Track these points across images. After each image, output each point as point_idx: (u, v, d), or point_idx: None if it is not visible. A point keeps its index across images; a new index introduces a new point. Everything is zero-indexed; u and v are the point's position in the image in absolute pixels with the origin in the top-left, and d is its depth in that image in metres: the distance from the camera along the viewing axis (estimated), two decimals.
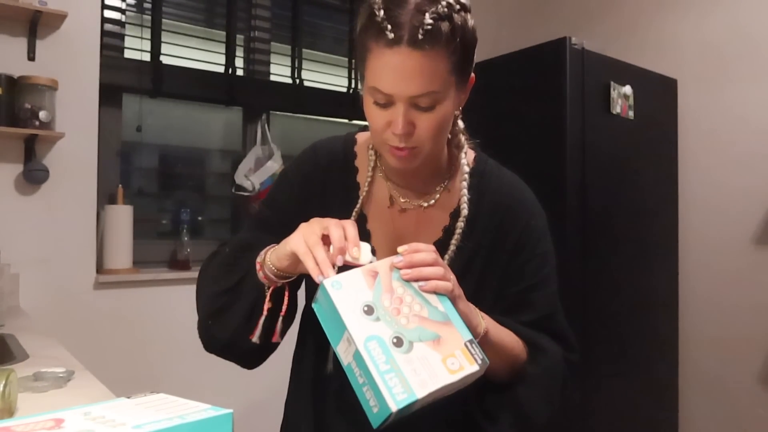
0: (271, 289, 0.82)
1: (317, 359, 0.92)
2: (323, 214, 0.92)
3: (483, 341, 0.79)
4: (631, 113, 2.31)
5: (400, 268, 0.73)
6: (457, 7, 0.78)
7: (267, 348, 0.87)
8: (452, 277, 0.77)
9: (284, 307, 0.83)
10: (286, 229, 0.86)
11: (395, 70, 0.76)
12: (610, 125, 2.24)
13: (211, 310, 0.87)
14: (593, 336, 2.16)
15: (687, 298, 2.51)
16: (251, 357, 0.88)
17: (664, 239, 2.49)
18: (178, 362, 2.29)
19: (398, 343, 0.66)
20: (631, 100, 2.31)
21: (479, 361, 0.69)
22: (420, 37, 0.74)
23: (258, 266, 0.82)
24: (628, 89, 2.29)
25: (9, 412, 0.81)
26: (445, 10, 0.75)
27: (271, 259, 0.80)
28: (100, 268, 2.20)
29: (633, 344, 2.33)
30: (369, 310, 0.68)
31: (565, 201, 2.10)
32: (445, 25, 0.75)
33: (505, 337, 0.85)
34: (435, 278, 0.73)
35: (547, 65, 2.19)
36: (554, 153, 2.13)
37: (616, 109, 2.24)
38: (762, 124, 2.30)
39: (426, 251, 0.75)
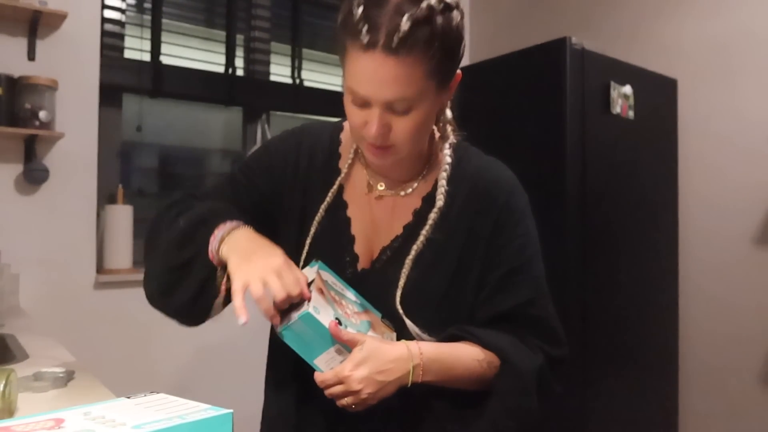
0: (226, 272, 0.81)
1: (295, 362, 0.91)
2: (303, 198, 0.93)
3: (423, 383, 0.81)
4: (631, 113, 2.31)
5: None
6: (440, 7, 0.74)
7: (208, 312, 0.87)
8: (353, 378, 0.76)
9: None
10: (253, 198, 0.91)
11: (369, 75, 0.75)
12: (610, 125, 2.24)
13: (160, 287, 0.87)
14: (593, 335, 2.15)
15: (687, 297, 2.51)
16: (192, 322, 0.88)
17: (664, 239, 2.49)
18: (178, 362, 2.29)
19: None
20: (631, 100, 2.31)
21: (394, 328, 0.87)
22: (395, 43, 0.72)
23: (210, 254, 0.81)
24: (628, 89, 2.29)
25: (9, 412, 0.81)
26: (425, 12, 0.73)
27: (222, 254, 0.80)
28: (100, 268, 2.20)
29: (633, 343, 2.33)
30: (339, 322, 0.78)
31: (565, 201, 2.10)
32: (423, 31, 0.73)
33: (457, 365, 0.83)
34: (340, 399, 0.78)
35: (547, 65, 2.18)
36: (554, 153, 2.13)
37: (616, 109, 2.24)
38: (762, 124, 2.30)
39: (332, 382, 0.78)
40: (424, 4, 0.73)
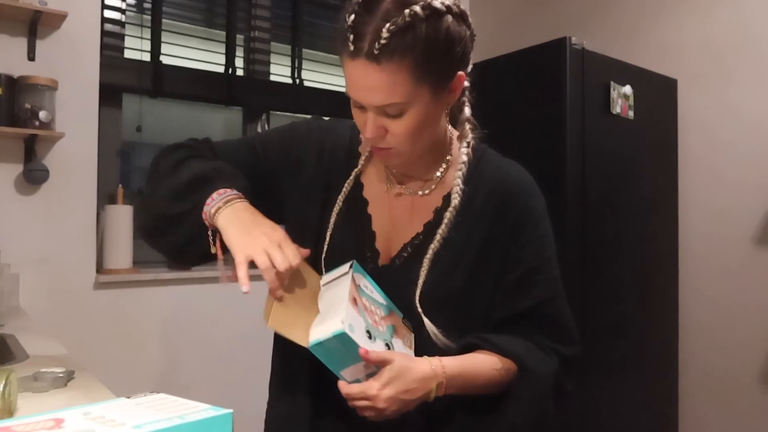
0: (218, 237, 0.82)
1: (307, 362, 0.89)
2: (325, 195, 0.93)
3: (446, 395, 0.83)
4: (631, 113, 2.31)
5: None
6: (425, 13, 0.74)
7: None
8: (379, 397, 0.77)
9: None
10: (263, 171, 0.91)
11: (357, 81, 0.77)
12: (610, 125, 2.24)
13: (150, 229, 0.88)
14: (593, 335, 2.15)
15: (687, 297, 2.51)
16: (179, 266, 0.91)
17: (664, 239, 2.49)
18: (178, 362, 2.29)
19: (388, 348, 0.83)
20: (631, 100, 2.31)
21: (412, 329, 0.89)
22: (376, 51, 0.73)
23: (204, 215, 0.81)
24: (628, 89, 2.29)
25: (9, 412, 0.81)
26: (407, 20, 0.73)
27: (219, 222, 0.80)
28: (100, 268, 2.20)
29: (633, 345, 2.33)
30: (369, 335, 0.80)
31: (565, 201, 2.10)
32: (405, 38, 0.74)
33: (478, 377, 0.85)
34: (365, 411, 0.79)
35: (547, 65, 2.18)
36: (554, 153, 2.13)
37: (616, 109, 2.24)
38: (762, 123, 2.30)
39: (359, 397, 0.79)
40: (407, 11, 0.74)
